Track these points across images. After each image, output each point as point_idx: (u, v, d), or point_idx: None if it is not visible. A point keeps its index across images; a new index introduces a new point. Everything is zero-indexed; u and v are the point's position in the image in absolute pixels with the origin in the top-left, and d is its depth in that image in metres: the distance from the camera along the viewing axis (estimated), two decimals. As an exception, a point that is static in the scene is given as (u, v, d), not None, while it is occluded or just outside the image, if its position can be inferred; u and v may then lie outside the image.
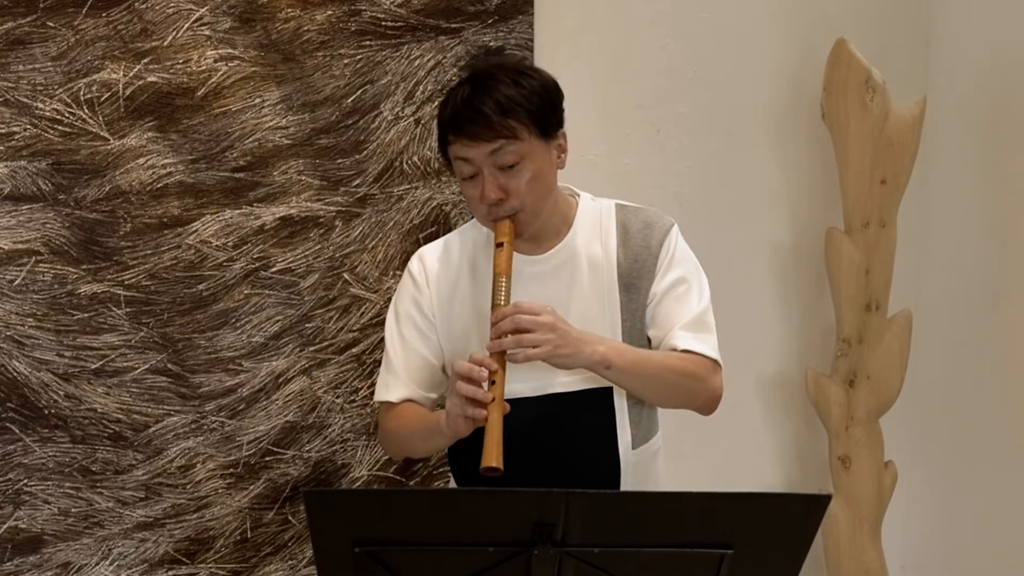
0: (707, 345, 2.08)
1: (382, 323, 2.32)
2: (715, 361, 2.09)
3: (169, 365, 2.68)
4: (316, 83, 2.71)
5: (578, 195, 2.17)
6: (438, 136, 2.07)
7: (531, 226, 2.06)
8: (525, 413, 2.03)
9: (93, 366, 2.63)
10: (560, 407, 1.98)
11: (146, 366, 2.67)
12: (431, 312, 2.14)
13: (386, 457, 2.88)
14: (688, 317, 2.09)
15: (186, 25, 2.59)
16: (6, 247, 2.54)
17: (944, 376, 3.27)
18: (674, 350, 2.07)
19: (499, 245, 2.01)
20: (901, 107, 3.01)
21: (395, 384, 2.16)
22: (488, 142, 1.97)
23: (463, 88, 2.02)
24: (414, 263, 2.18)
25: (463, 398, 1.92)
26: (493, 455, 1.87)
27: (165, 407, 2.69)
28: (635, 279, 2.11)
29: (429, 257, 2.18)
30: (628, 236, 2.12)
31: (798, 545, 1.73)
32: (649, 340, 2.14)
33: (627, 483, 2.11)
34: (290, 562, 2.85)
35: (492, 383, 1.92)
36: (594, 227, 2.13)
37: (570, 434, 2.05)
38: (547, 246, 2.10)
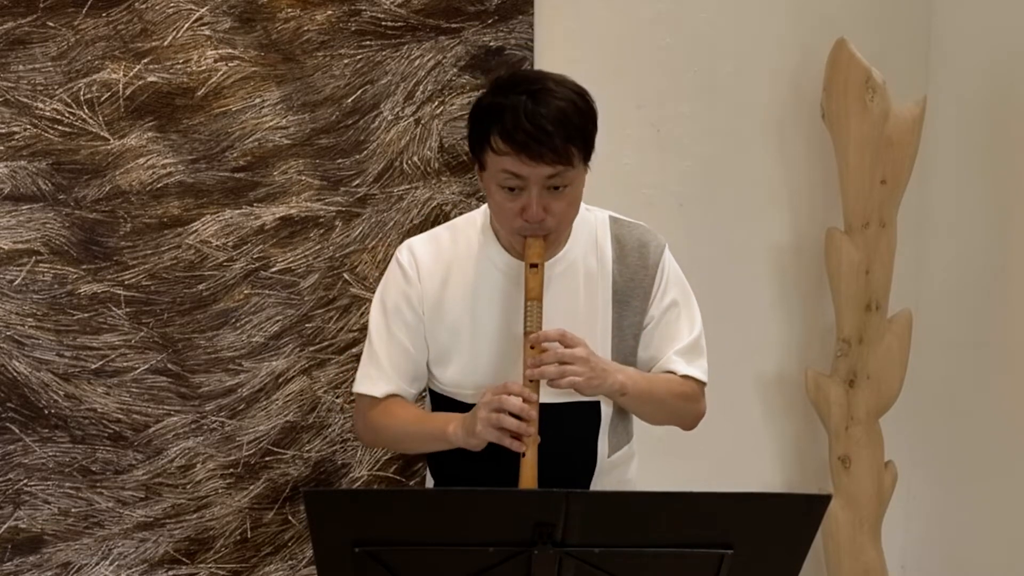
0: (700, 371, 2.18)
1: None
2: (704, 385, 2.19)
3: (169, 365, 2.68)
4: (316, 83, 2.71)
5: None
6: (477, 136, 2.00)
7: (555, 245, 2.08)
8: None
9: (93, 366, 2.63)
10: (545, 418, 1.98)
11: (146, 366, 2.67)
12: (420, 307, 2.13)
13: (386, 457, 2.88)
14: (684, 343, 2.16)
15: (186, 25, 2.59)
16: (6, 247, 2.54)
17: (944, 376, 3.27)
18: (671, 373, 2.15)
19: (533, 266, 2.00)
20: (901, 107, 3.01)
21: (380, 378, 2.14)
22: (549, 165, 1.95)
23: (522, 99, 1.94)
24: (404, 255, 2.15)
25: (500, 427, 1.92)
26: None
27: (165, 407, 2.69)
28: (628, 296, 2.14)
29: (420, 250, 2.15)
30: (624, 253, 2.14)
31: (798, 545, 1.74)
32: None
33: (598, 483, 2.16)
34: (290, 562, 2.85)
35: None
36: (590, 239, 2.14)
37: (552, 442, 2.02)
38: (547, 255, 2.08)
